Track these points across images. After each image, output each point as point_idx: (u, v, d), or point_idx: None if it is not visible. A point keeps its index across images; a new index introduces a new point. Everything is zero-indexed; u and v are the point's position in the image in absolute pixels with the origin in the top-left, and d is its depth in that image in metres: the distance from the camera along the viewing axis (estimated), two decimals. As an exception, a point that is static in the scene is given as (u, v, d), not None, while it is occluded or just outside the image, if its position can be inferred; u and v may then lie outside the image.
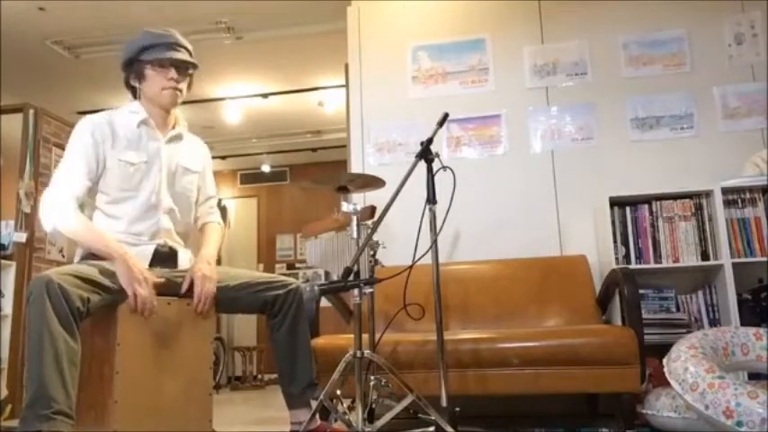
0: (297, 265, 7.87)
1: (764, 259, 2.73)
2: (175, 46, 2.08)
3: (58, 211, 1.92)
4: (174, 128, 2.18)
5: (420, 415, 2.21)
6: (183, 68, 2.10)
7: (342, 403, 2.27)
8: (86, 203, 2.01)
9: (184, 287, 1.99)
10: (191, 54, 2.14)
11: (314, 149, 7.34)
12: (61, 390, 1.63)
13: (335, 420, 2.29)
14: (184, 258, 2.14)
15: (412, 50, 3.57)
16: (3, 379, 3.93)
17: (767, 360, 2.16)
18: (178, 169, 2.15)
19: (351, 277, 2.01)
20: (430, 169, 2.23)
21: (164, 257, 2.06)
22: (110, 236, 1.94)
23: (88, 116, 2.06)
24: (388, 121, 3.51)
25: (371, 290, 2.15)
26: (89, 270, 1.80)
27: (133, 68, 2.08)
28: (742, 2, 3.29)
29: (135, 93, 2.13)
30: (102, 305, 1.80)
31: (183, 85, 2.12)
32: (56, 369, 1.63)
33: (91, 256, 1.96)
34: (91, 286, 1.76)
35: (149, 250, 2.03)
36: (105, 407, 1.78)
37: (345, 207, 2.24)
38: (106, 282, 1.81)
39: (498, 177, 3.34)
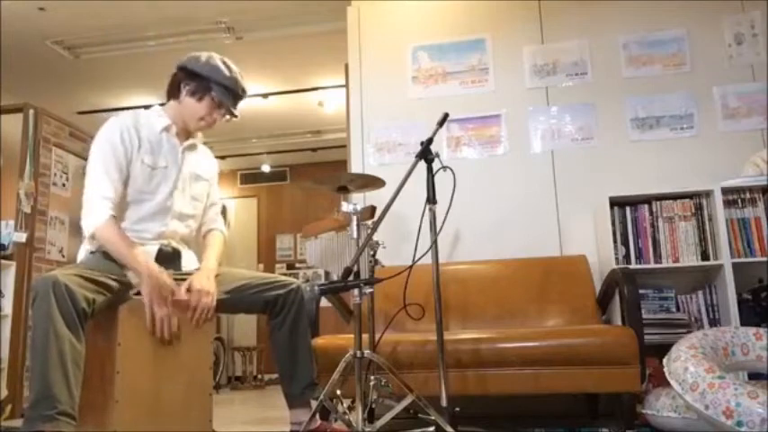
0: (297, 265, 7.87)
1: (764, 259, 2.73)
2: (239, 99, 2.17)
3: (96, 218, 1.92)
4: (190, 138, 2.21)
5: (420, 415, 2.22)
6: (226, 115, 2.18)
7: (342, 403, 2.27)
8: (121, 206, 2.02)
9: (183, 292, 1.98)
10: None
11: (314, 149, 7.34)
12: (65, 390, 1.63)
13: (335, 420, 2.29)
14: (188, 259, 2.15)
15: (412, 50, 3.57)
16: (3, 379, 3.93)
17: (767, 360, 2.16)
18: (192, 176, 2.18)
19: (351, 277, 2.01)
20: (430, 169, 2.23)
21: (167, 258, 2.07)
22: (141, 253, 1.93)
23: (114, 117, 2.07)
24: (388, 121, 3.51)
25: (371, 290, 2.15)
26: (94, 270, 1.81)
27: (196, 83, 2.10)
28: (742, 2, 3.29)
29: (173, 94, 2.15)
30: (106, 305, 1.80)
31: (217, 122, 2.19)
32: (60, 370, 1.63)
33: (96, 252, 1.97)
34: (96, 287, 1.77)
35: (153, 250, 2.03)
36: (106, 407, 1.78)
37: (345, 207, 2.24)
38: (111, 282, 1.82)
39: (498, 177, 3.34)
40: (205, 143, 2.36)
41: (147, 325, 1.86)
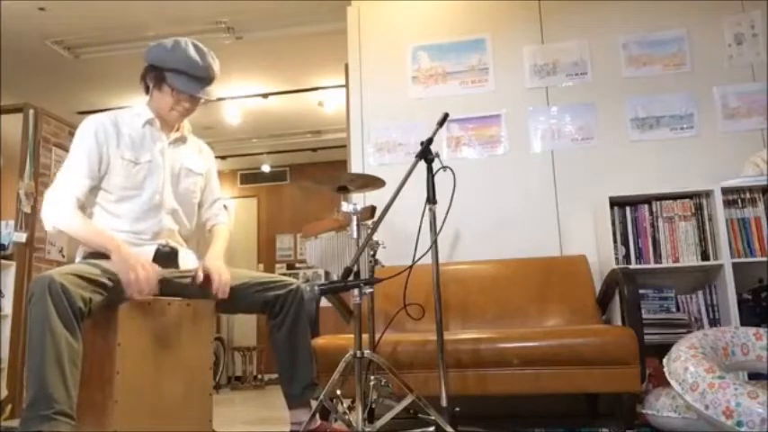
0: (297, 265, 7.87)
1: (764, 259, 2.73)
2: (204, 80, 2.07)
3: (57, 210, 1.93)
4: (178, 130, 2.19)
5: (420, 415, 2.21)
6: (198, 99, 2.12)
7: (342, 403, 2.27)
8: (87, 202, 2.01)
9: (200, 278, 1.99)
10: (213, 75, 2.11)
11: (314, 149, 7.34)
12: (62, 390, 1.63)
13: (335, 420, 2.29)
14: (186, 258, 2.14)
15: (412, 50, 3.57)
16: (3, 379, 3.93)
17: (767, 360, 2.16)
18: (182, 171, 2.16)
19: (351, 277, 2.01)
20: (430, 169, 2.23)
21: (165, 257, 2.06)
22: (107, 231, 1.95)
23: (92, 116, 2.07)
24: (388, 121, 3.51)
25: (371, 290, 2.15)
26: (91, 270, 1.80)
27: (153, 74, 2.08)
28: (742, 2, 3.29)
29: (147, 89, 2.14)
30: (103, 305, 1.80)
31: (193, 109, 2.14)
32: (57, 369, 1.63)
33: (92, 255, 1.97)
34: (93, 286, 1.76)
35: (151, 250, 2.03)
36: (105, 407, 1.78)
37: (345, 207, 2.24)
38: (108, 282, 1.81)
39: (498, 177, 3.34)
40: (206, 143, 2.36)
41: (127, 291, 1.81)
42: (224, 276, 2.01)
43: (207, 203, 2.30)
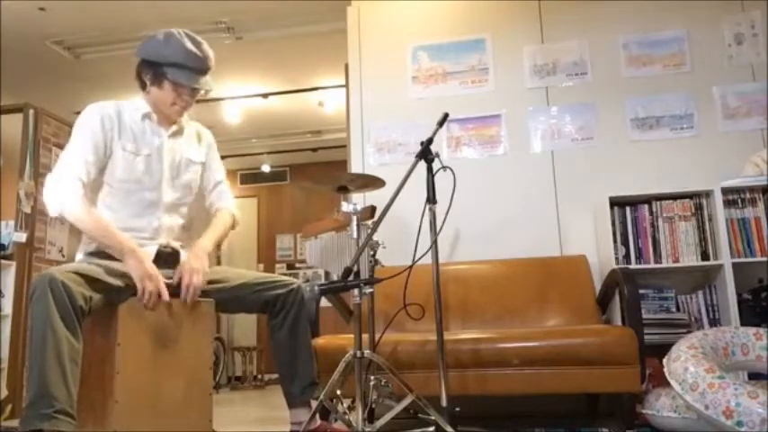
0: (297, 265, 7.87)
1: (764, 259, 2.73)
2: (203, 71, 2.07)
3: (64, 194, 1.88)
4: (175, 122, 2.18)
5: (420, 415, 2.22)
6: (198, 90, 2.11)
7: (342, 403, 2.27)
8: (90, 197, 1.99)
9: (175, 280, 1.96)
10: (211, 65, 2.11)
11: (314, 149, 7.34)
12: (63, 389, 1.63)
13: (335, 420, 2.29)
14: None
15: (412, 50, 3.57)
16: (3, 379, 3.93)
17: (767, 360, 2.16)
18: (182, 162, 2.15)
19: (351, 277, 2.01)
20: (430, 169, 2.23)
21: (166, 258, 2.05)
22: (118, 230, 1.92)
23: (96, 103, 2.06)
24: (388, 121, 3.51)
25: (371, 290, 2.15)
26: (92, 269, 1.80)
27: (152, 70, 2.06)
28: (742, 2, 3.29)
29: (144, 85, 2.12)
30: (103, 304, 1.80)
31: (192, 101, 2.13)
32: (58, 368, 1.63)
33: (93, 254, 1.96)
34: (94, 285, 1.76)
35: (151, 251, 2.02)
36: (105, 407, 1.78)
37: (345, 207, 2.24)
38: (109, 281, 1.82)
39: (498, 177, 3.34)
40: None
41: (138, 297, 1.83)
42: (193, 278, 1.93)
43: (209, 187, 2.26)
